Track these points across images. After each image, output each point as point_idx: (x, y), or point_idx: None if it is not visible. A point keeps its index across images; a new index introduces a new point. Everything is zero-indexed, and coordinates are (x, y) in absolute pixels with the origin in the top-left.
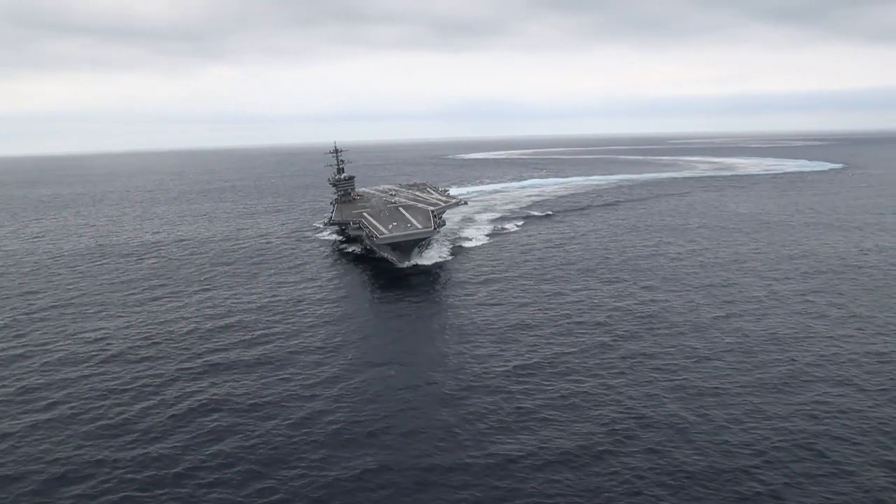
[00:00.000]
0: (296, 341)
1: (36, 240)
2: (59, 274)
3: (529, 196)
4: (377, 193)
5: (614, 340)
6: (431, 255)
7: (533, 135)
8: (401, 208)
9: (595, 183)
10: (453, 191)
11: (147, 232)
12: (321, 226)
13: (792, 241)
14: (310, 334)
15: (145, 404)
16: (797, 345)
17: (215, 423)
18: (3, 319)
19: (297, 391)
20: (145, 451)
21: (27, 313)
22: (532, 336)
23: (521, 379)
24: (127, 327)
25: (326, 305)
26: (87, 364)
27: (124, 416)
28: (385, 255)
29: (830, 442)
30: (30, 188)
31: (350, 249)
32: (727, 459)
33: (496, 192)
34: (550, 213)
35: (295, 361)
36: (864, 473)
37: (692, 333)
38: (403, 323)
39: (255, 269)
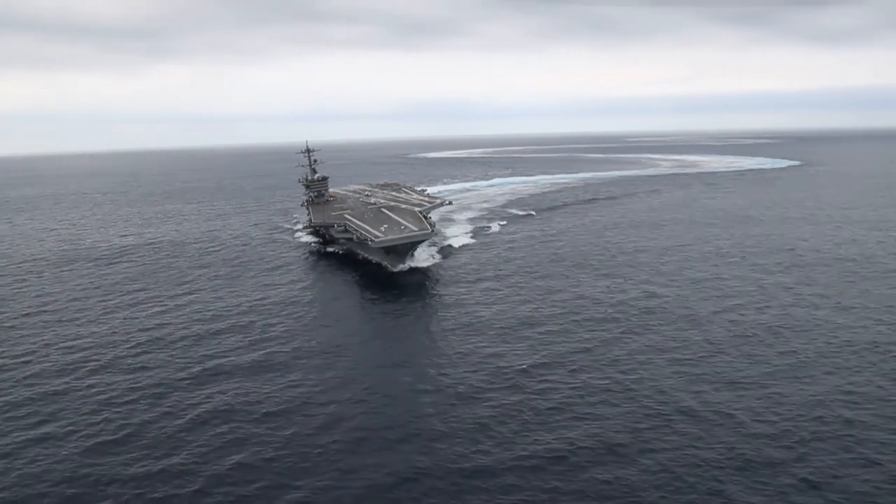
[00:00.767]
0: (294, 344)
1: None
2: (25, 280)
3: (503, 194)
4: (350, 194)
5: (622, 335)
6: (424, 258)
7: (492, 134)
8: (384, 209)
9: (565, 181)
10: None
11: (114, 235)
12: (297, 227)
13: (769, 235)
14: (308, 337)
15: (147, 416)
16: (801, 336)
17: (230, 434)
18: None
19: (308, 396)
20: (157, 466)
21: None
22: (540, 333)
23: (538, 376)
24: (111, 334)
25: (319, 307)
26: (74, 375)
27: (126, 430)
28: (376, 258)
29: (865, 430)
30: None
31: (331, 250)
32: (769, 449)
33: (467, 190)
34: (534, 213)
35: (298, 365)
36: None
37: (697, 327)
38: (404, 324)
39: (238, 271)
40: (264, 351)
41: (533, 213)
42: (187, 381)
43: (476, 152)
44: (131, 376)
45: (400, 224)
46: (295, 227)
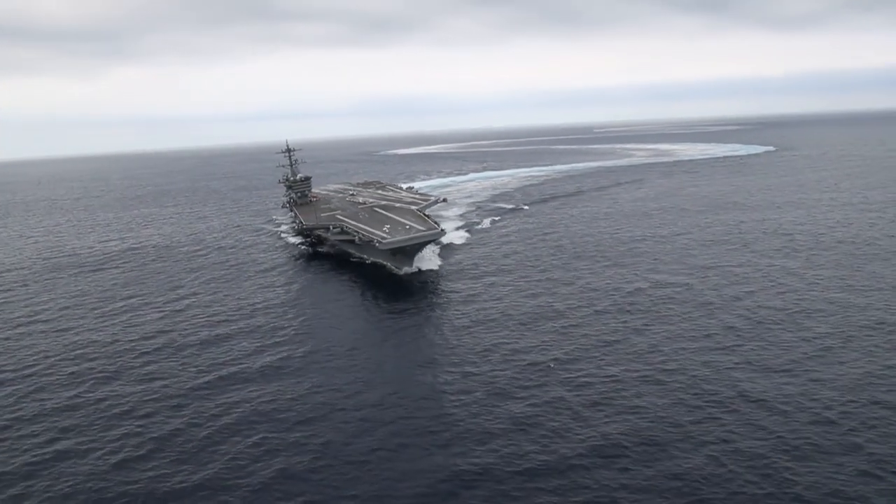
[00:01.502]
0: (306, 348)
1: None
2: (10, 290)
3: (484, 189)
4: (332, 194)
5: (644, 326)
6: (428, 257)
7: (459, 128)
8: (377, 209)
9: (544, 173)
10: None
11: (95, 241)
12: (280, 228)
13: (762, 221)
14: (319, 340)
15: (168, 428)
16: (821, 319)
17: (263, 444)
18: None
19: (334, 402)
20: (194, 480)
21: None
22: (560, 326)
23: (570, 371)
24: (113, 342)
25: (323, 309)
26: (82, 387)
27: (151, 444)
28: (381, 260)
29: None
30: None
31: (322, 250)
32: (821, 437)
33: (446, 186)
34: (526, 206)
35: (315, 369)
36: None
37: (717, 314)
38: (417, 323)
39: (231, 274)
40: (277, 356)
41: (526, 206)
42: (204, 390)
43: (445, 147)
44: (143, 386)
45: (404, 224)
46: (278, 229)
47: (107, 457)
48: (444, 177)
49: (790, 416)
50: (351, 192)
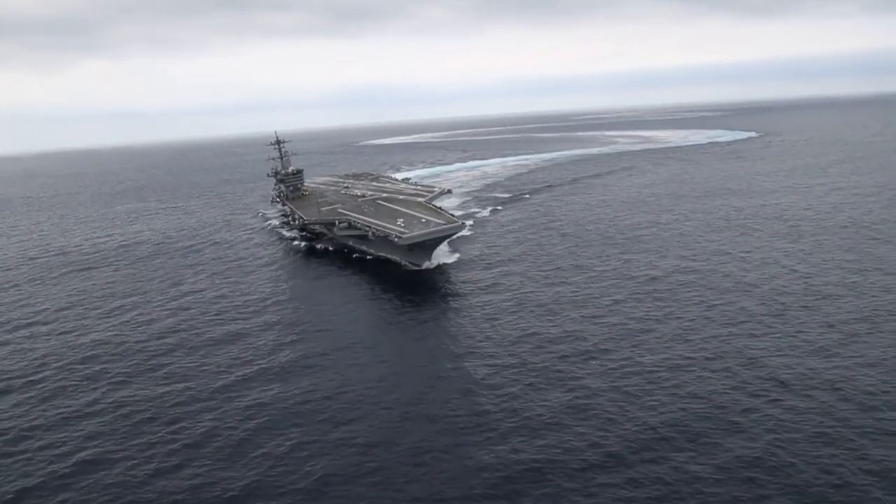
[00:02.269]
0: (325, 345)
1: None
2: (1, 292)
3: (475, 178)
4: (324, 187)
5: (671, 314)
6: (444, 251)
7: (437, 118)
8: (380, 202)
9: (531, 162)
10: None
11: (83, 239)
12: (272, 222)
13: (762, 206)
14: (337, 336)
15: (198, 431)
16: (849, 301)
17: (307, 445)
18: None
19: (370, 399)
20: (241, 484)
21: None
22: (587, 315)
23: (611, 360)
24: (121, 343)
25: (335, 305)
26: (97, 392)
27: (185, 452)
28: (394, 257)
29: None
30: None
31: (320, 247)
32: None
33: (435, 176)
34: (527, 195)
35: (341, 367)
36: None
37: (747, 298)
38: (438, 315)
39: (232, 271)
40: (298, 353)
41: (527, 195)
42: (230, 391)
43: (424, 137)
44: (164, 389)
45: (419, 218)
46: (269, 223)
47: (140, 466)
48: (429, 167)
49: (833, 402)
50: (345, 185)
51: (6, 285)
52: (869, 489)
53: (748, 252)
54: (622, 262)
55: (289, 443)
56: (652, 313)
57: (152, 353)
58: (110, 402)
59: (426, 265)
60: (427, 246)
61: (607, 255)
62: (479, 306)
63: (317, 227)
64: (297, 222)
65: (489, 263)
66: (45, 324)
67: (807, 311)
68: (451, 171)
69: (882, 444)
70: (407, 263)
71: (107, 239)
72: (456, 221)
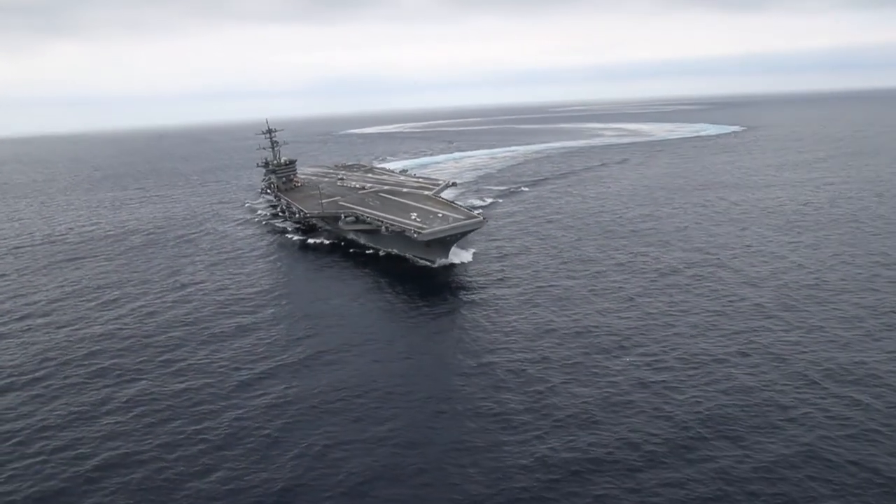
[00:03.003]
0: (340, 339)
1: None
2: None
3: (465, 170)
4: (316, 178)
5: (692, 308)
6: (456, 247)
7: (416, 107)
8: (385, 195)
9: (520, 153)
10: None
11: (68, 228)
12: (265, 213)
13: (762, 199)
14: (354, 329)
15: (225, 430)
16: (866, 294)
17: (344, 443)
18: None
19: (401, 395)
20: (274, 488)
21: None
22: (608, 309)
23: (638, 354)
24: (126, 338)
25: (359, 300)
26: (107, 389)
27: (213, 453)
28: (407, 253)
29: None
30: None
31: (312, 241)
32: None
33: (422, 167)
34: (526, 189)
35: (366, 362)
36: None
37: (758, 294)
38: (455, 308)
39: (230, 261)
40: (314, 348)
41: (525, 188)
42: (249, 387)
43: (404, 127)
44: (180, 385)
45: (434, 212)
46: (259, 213)
47: (167, 469)
48: (414, 157)
49: (871, 399)
50: (339, 177)
51: None
52: None
53: (752, 246)
54: (629, 255)
55: (323, 443)
56: (669, 308)
57: (161, 348)
58: (125, 401)
59: (442, 261)
60: (447, 242)
61: (614, 248)
62: (494, 300)
63: (316, 220)
64: (297, 215)
65: (497, 256)
66: (42, 316)
67: (824, 306)
68: (438, 163)
69: None
70: (420, 260)
71: (93, 227)
72: (476, 216)
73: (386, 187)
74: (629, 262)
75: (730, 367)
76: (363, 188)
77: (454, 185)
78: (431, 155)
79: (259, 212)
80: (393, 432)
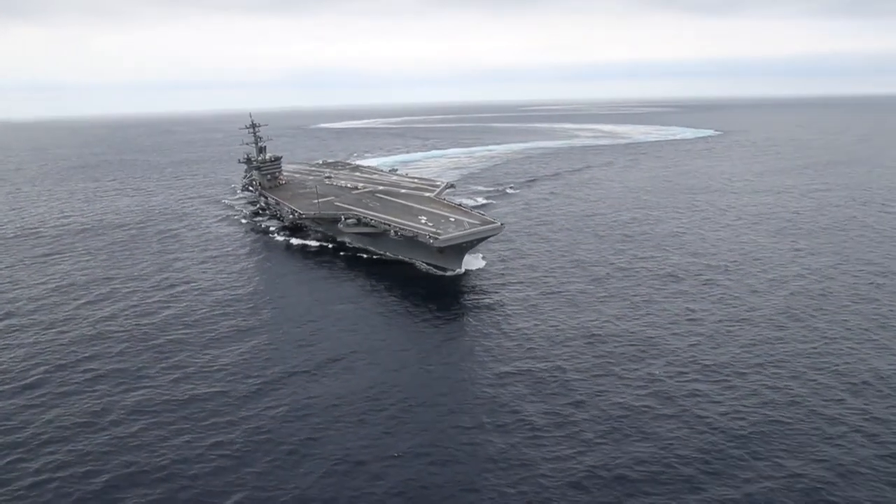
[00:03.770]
0: (351, 345)
1: None
2: None
3: (447, 169)
4: (300, 176)
5: (709, 314)
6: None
7: (387, 102)
8: (383, 196)
9: (500, 153)
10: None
11: (36, 219)
12: (247, 209)
13: (751, 205)
14: (366, 336)
15: (247, 443)
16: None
17: (379, 462)
18: None
19: (430, 406)
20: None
21: None
22: (617, 316)
23: (671, 364)
24: (127, 339)
25: (362, 305)
26: (109, 396)
27: (233, 471)
28: (413, 259)
29: None
30: None
31: (303, 241)
32: None
33: (402, 164)
34: (512, 190)
35: (385, 370)
36: None
37: (771, 300)
38: (462, 313)
39: (218, 259)
40: (322, 354)
41: (510, 189)
42: (262, 395)
43: (377, 122)
44: (186, 392)
45: (445, 217)
46: (239, 211)
47: (187, 488)
48: (389, 154)
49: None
50: (326, 175)
51: None
52: None
53: (751, 253)
54: (630, 259)
55: (353, 458)
56: (680, 317)
57: (161, 352)
58: (129, 411)
59: (455, 271)
60: (462, 249)
61: (614, 253)
62: (503, 305)
63: (310, 221)
64: (293, 215)
65: (498, 259)
66: (26, 315)
67: (838, 315)
68: (416, 161)
69: None
70: (430, 267)
71: (69, 220)
72: (493, 222)
73: (381, 187)
74: (630, 266)
75: (759, 379)
76: (356, 188)
77: (453, 186)
78: (408, 152)
79: (236, 208)
80: (424, 448)
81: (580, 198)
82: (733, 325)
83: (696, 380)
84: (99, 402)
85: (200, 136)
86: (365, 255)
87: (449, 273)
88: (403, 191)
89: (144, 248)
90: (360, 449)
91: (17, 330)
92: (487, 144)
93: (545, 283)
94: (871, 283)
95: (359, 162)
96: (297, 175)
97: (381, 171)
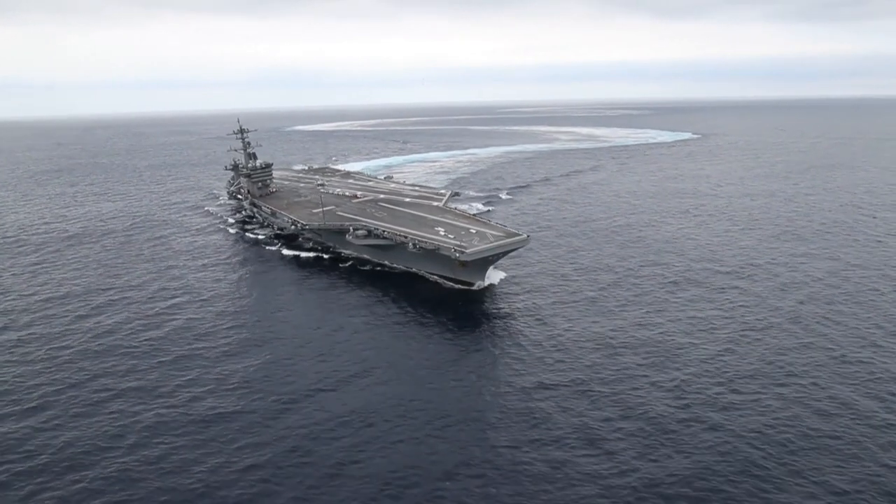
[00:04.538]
0: (377, 357)
1: None
2: None
3: (434, 174)
4: (289, 183)
5: (729, 321)
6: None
7: (360, 104)
8: (385, 204)
9: (482, 157)
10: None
11: (21, 227)
12: (226, 216)
13: (747, 209)
14: (391, 348)
15: (287, 466)
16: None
17: (427, 488)
18: None
19: (474, 426)
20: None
21: None
22: (634, 325)
23: (704, 375)
24: (135, 355)
25: (376, 317)
26: (123, 422)
27: (277, 501)
28: (430, 272)
29: None
30: None
31: (287, 253)
32: None
33: (384, 168)
34: (505, 195)
35: (422, 388)
36: None
37: (788, 307)
38: (491, 326)
39: (215, 268)
40: (348, 369)
41: (504, 195)
42: (289, 412)
43: (353, 125)
44: (204, 411)
45: (465, 228)
46: (225, 219)
47: None
48: (368, 158)
49: None
50: (319, 182)
51: None
52: None
53: (758, 257)
54: (639, 265)
55: (402, 482)
56: (702, 323)
57: (175, 367)
58: (151, 433)
59: (479, 284)
60: (488, 262)
61: (621, 258)
62: (524, 313)
63: (312, 233)
64: (293, 227)
65: (509, 265)
66: (24, 328)
67: (850, 317)
68: (399, 165)
69: None
70: (448, 281)
71: (51, 227)
72: (518, 234)
73: (382, 196)
74: (637, 273)
75: (787, 391)
76: (356, 196)
77: (457, 195)
78: (388, 156)
79: (221, 216)
80: (471, 467)
81: (576, 202)
82: (755, 334)
83: (727, 391)
84: (116, 423)
85: (174, 139)
86: (367, 267)
87: (476, 287)
88: (407, 199)
89: (136, 256)
90: (405, 469)
91: (16, 345)
92: (468, 148)
93: (556, 291)
94: (872, 289)
95: (341, 167)
96: (285, 182)
97: (377, 178)
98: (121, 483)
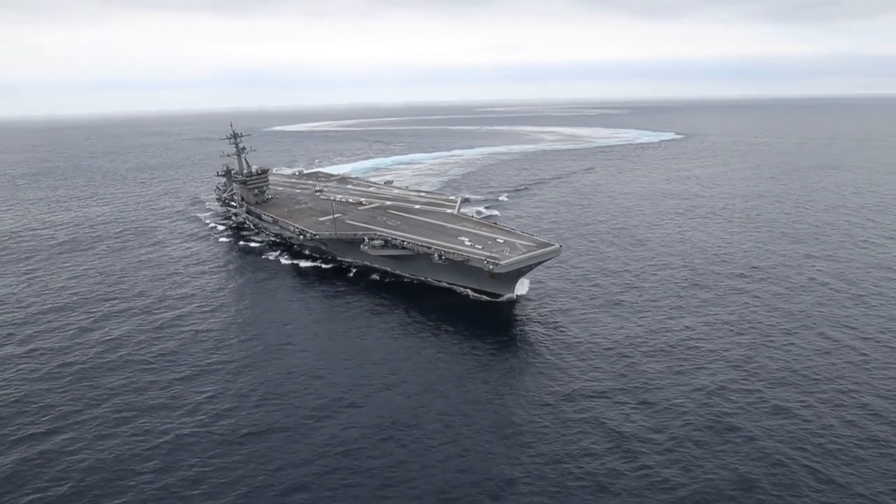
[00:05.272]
0: (402, 364)
1: None
2: None
3: (424, 176)
4: (283, 190)
5: (750, 328)
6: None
7: (335, 103)
8: (395, 211)
9: (469, 158)
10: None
11: (5, 233)
12: (214, 221)
13: (747, 210)
14: (418, 355)
15: (331, 488)
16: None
17: None
18: None
19: (513, 443)
20: None
21: None
22: (655, 329)
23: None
24: (144, 371)
25: (400, 329)
26: (147, 448)
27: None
28: (455, 283)
29: None
30: None
31: (286, 262)
32: None
33: (371, 170)
34: (504, 197)
35: (452, 401)
36: None
37: (802, 315)
38: (514, 338)
39: (216, 278)
40: (375, 383)
41: (503, 198)
42: (320, 428)
43: (333, 125)
44: (224, 428)
45: (493, 238)
46: (217, 227)
47: None
48: (352, 159)
49: None
50: (318, 189)
51: None
52: None
53: (770, 258)
54: (653, 267)
55: (459, 496)
56: (728, 326)
57: (194, 383)
58: (181, 455)
59: (508, 296)
60: (520, 273)
61: (635, 259)
62: (550, 319)
63: (318, 243)
64: (301, 236)
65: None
66: (27, 341)
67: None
68: (386, 167)
69: None
70: (476, 294)
71: (37, 234)
72: (549, 244)
73: (389, 202)
74: (652, 275)
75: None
76: (361, 203)
77: (467, 200)
78: (373, 157)
79: (212, 223)
80: (528, 480)
81: (578, 205)
82: (781, 337)
83: (766, 396)
84: (142, 445)
85: (151, 141)
86: (377, 276)
87: (504, 299)
88: (417, 206)
89: (134, 264)
90: (454, 490)
91: (21, 360)
92: (452, 149)
93: (577, 296)
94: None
95: (328, 170)
96: (279, 188)
97: (377, 183)
98: None
